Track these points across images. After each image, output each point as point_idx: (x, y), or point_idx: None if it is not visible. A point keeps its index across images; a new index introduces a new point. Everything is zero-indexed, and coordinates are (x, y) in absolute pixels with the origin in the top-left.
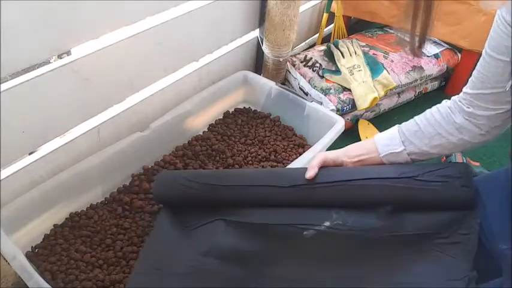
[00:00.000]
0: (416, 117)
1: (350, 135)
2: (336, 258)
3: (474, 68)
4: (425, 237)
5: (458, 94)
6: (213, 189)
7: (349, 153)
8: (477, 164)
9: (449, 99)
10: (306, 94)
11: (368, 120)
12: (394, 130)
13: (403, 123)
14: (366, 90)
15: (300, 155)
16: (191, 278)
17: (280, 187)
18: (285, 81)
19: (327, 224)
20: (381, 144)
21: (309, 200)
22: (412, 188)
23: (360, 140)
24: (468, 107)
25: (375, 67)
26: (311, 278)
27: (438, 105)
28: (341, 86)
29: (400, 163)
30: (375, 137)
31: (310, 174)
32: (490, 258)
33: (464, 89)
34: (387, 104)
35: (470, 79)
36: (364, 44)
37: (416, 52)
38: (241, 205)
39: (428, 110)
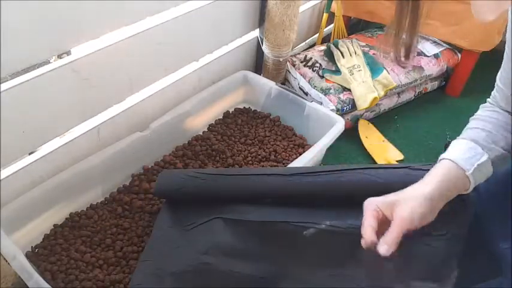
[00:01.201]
0: (472, 125)
1: (350, 135)
2: (337, 256)
3: (473, 69)
4: (422, 234)
5: (457, 94)
6: (215, 179)
7: (424, 190)
8: None
9: (449, 99)
10: (306, 94)
11: (368, 120)
12: (465, 142)
13: (463, 136)
14: (365, 90)
15: (300, 155)
16: (191, 277)
17: (282, 175)
18: (285, 81)
19: (327, 222)
20: (462, 160)
21: (311, 188)
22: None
23: (359, 140)
24: None
25: (374, 67)
26: (311, 277)
27: (486, 109)
28: (341, 86)
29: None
30: (448, 158)
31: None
32: (490, 258)
33: None
34: (387, 104)
35: None
36: (364, 44)
37: (401, 62)
38: (240, 197)
39: (480, 117)
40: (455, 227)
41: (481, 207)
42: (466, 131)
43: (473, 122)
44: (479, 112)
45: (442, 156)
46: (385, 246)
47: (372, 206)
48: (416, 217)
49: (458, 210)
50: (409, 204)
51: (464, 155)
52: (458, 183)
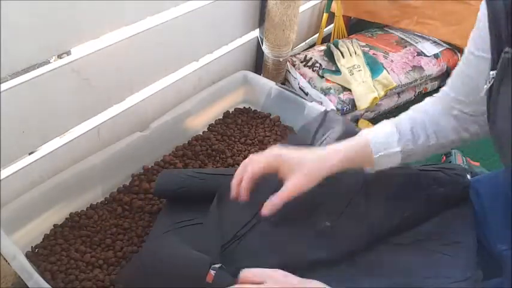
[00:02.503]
0: (409, 113)
1: None
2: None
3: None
4: (425, 240)
5: None
6: (214, 178)
7: (327, 162)
8: (477, 164)
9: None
10: (306, 94)
11: (368, 120)
12: (389, 126)
13: (395, 119)
14: (365, 90)
15: None
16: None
17: None
18: (285, 81)
19: (327, 224)
20: (376, 143)
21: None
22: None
23: None
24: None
25: (374, 67)
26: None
27: (430, 98)
28: (341, 86)
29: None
30: (367, 135)
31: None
32: (490, 258)
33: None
34: (387, 104)
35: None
36: (364, 44)
37: None
38: None
39: (420, 105)
40: (456, 231)
41: (479, 209)
42: (403, 114)
43: (411, 109)
44: (428, 99)
45: (365, 131)
46: (269, 208)
47: (275, 155)
48: (307, 187)
49: (457, 215)
50: (307, 176)
51: (380, 139)
52: (365, 158)
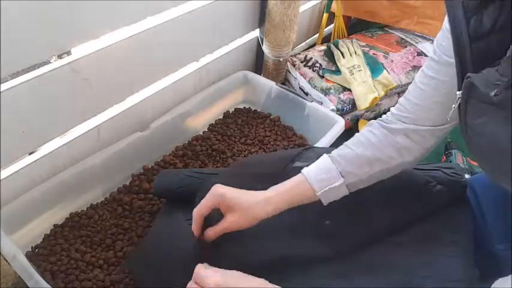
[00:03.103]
0: (348, 143)
1: (350, 135)
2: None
3: None
4: (423, 240)
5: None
6: (215, 178)
7: (266, 207)
8: (477, 163)
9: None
10: (306, 94)
11: (368, 120)
12: (326, 161)
13: (334, 151)
14: (366, 90)
15: None
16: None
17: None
18: (285, 81)
19: (327, 223)
20: (315, 180)
21: None
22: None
23: None
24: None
25: (375, 67)
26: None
27: (369, 128)
28: (341, 86)
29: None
30: (304, 173)
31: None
32: (487, 257)
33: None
34: (387, 104)
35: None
36: (364, 44)
37: None
38: None
39: (359, 134)
40: (454, 231)
41: (477, 208)
42: (343, 146)
43: (354, 139)
44: (367, 129)
45: (303, 169)
46: (208, 235)
47: (216, 195)
48: (241, 227)
49: (455, 215)
50: (241, 218)
51: (319, 175)
52: (307, 195)
